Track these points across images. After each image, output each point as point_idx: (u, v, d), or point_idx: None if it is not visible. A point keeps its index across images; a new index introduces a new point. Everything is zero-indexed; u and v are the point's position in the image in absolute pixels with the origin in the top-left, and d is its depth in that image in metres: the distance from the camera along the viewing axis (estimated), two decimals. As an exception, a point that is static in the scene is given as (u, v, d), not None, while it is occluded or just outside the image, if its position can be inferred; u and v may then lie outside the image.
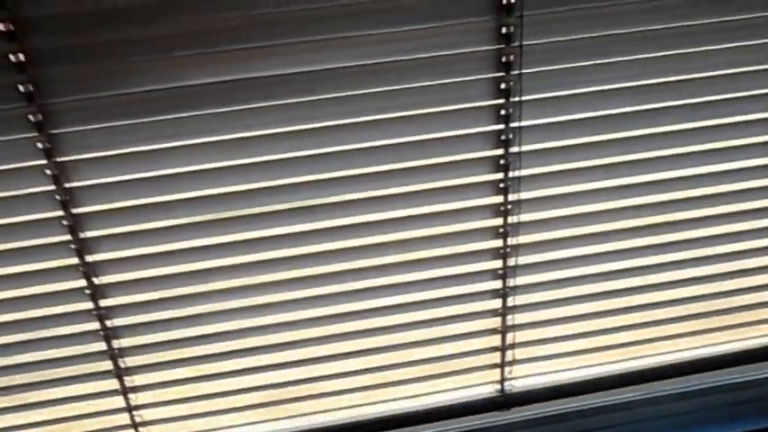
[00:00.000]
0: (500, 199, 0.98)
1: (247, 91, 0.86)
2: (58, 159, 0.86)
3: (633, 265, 1.07)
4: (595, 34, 0.89)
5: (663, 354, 1.18)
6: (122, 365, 1.02)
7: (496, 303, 1.07)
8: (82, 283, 0.95)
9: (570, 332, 1.12)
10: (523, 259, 1.04)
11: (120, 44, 0.81)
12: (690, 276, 1.10)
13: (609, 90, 0.93)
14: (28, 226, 0.90)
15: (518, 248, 1.02)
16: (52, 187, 0.88)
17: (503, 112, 0.92)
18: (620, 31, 0.89)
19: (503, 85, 0.90)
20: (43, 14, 0.78)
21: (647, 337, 1.15)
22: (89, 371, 1.02)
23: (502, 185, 0.97)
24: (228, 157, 0.90)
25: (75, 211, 0.90)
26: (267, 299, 1.00)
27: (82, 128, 0.85)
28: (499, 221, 1.00)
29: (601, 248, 1.05)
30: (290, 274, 0.99)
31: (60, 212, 0.89)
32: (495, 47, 0.87)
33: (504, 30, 0.86)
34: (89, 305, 0.97)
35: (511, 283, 1.05)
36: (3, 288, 0.94)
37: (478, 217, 0.99)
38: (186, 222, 0.93)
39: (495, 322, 1.09)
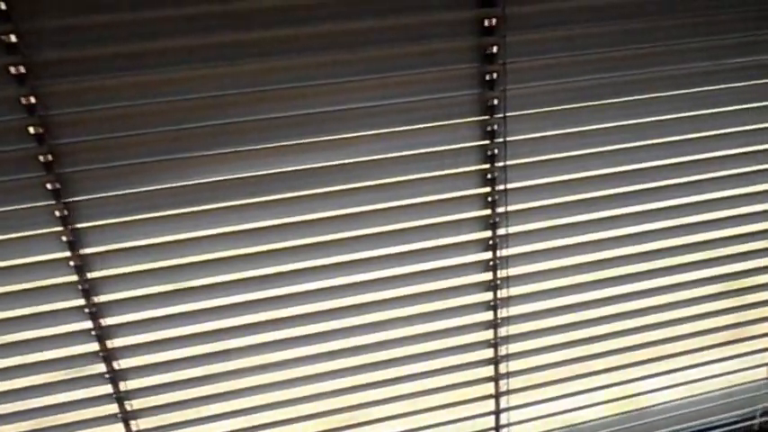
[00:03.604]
0: (490, 276, 1.07)
1: (264, 185, 0.94)
2: (81, 252, 0.93)
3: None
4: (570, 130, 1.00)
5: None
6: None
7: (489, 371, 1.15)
8: (102, 368, 1.00)
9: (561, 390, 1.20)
10: (515, 328, 1.12)
11: (143, 144, 0.89)
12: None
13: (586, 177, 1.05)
14: (52, 315, 0.96)
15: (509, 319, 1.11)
16: (75, 278, 0.94)
17: (489, 198, 1.02)
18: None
19: (489, 175, 1.00)
20: (71, 119, 0.85)
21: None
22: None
23: (491, 263, 1.06)
24: (240, 245, 0.97)
25: (96, 299, 0.96)
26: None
27: (104, 222, 0.92)
28: (489, 296, 1.09)
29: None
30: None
31: (83, 301, 0.96)
32: (481, 142, 0.98)
33: (488, 128, 0.97)
34: (109, 389, 1.02)
35: (503, 351, 1.13)
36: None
37: (470, 292, 1.08)
38: (204, 307, 1.00)
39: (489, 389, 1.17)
